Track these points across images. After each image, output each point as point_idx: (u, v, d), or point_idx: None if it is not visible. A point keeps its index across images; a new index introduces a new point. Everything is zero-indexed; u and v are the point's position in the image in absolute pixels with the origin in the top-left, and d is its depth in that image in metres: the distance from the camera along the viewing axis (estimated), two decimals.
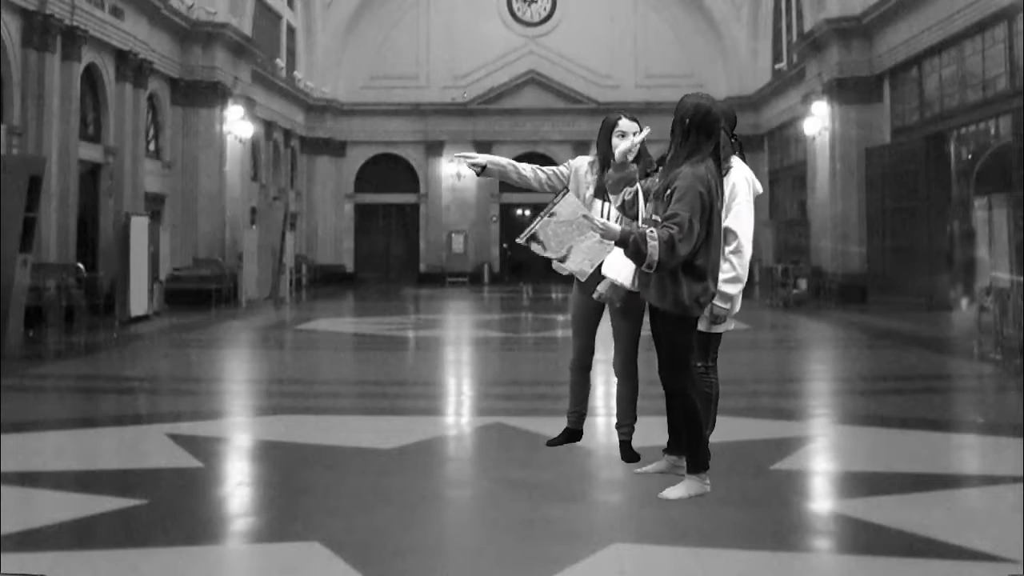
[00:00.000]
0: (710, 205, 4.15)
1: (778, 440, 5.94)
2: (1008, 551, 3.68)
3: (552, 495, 4.62)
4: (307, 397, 7.94)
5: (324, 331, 14.81)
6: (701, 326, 4.47)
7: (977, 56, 16.56)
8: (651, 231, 4.08)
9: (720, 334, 4.73)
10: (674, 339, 4.36)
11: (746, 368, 10.56)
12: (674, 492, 4.36)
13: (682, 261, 4.11)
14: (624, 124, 4.76)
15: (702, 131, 4.24)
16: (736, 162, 4.58)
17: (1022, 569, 3.50)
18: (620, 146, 4.61)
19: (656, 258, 4.04)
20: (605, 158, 4.80)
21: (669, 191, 4.18)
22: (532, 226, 4.22)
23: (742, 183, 4.48)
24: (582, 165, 4.92)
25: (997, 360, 10.34)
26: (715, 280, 4.33)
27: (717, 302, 4.40)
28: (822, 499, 4.82)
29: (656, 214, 4.23)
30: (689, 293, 4.20)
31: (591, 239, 4.23)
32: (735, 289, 4.46)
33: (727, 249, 4.41)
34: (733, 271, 4.45)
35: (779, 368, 10.67)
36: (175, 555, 3.81)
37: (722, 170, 4.29)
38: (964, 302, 16.57)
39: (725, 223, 4.34)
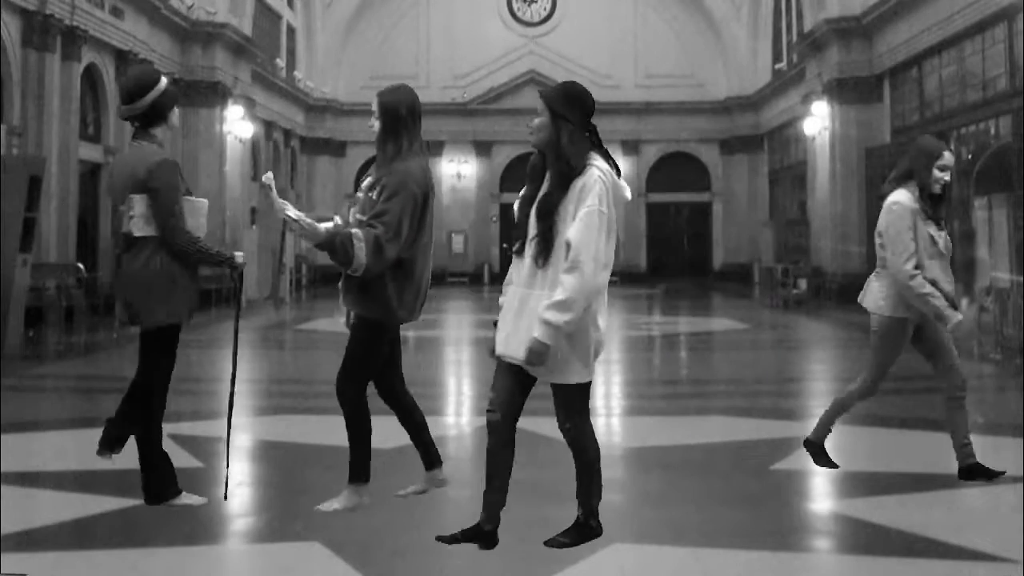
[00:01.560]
0: (423, 203, 3.94)
1: (778, 440, 5.93)
2: (1008, 551, 3.68)
3: (552, 495, 4.62)
4: (307, 397, 7.93)
5: (324, 331, 14.80)
6: (587, 375, 3.63)
7: (977, 56, 16.55)
8: (357, 232, 3.82)
9: (575, 385, 3.67)
10: (369, 345, 4.06)
11: (746, 368, 10.57)
12: (328, 505, 4.15)
13: (390, 263, 3.86)
14: (948, 157, 4.75)
15: (408, 126, 4.00)
16: (595, 159, 3.60)
17: (1022, 569, 3.50)
18: None
19: (363, 261, 3.80)
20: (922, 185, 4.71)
21: (377, 189, 3.94)
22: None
23: (594, 185, 3.48)
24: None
25: (997, 360, 10.34)
26: (423, 284, 4.05)
27: (537, 334, 3.42)
28: (822, 499, 4.82)
29: (362, 214, 3.97)
30: (397, 298, 3.94)
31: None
32: (560, 318, 3.39)
33: (563, 266, 3.43)
34: (562, 294, 3.39)
35: (779, 368, 10.67)
36: (175, 555, 3.81)
37: (575, 167, 3.50)
38: (964, 302, 16.54)
39: (568, 233, 3.44)
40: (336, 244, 3.81)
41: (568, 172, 3.49)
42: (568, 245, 3.40)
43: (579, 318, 3.43)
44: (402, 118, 3.99)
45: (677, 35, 31.39)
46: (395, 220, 3.82)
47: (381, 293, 3.93)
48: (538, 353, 3.44)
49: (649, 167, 31.53)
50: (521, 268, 3.59)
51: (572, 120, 3.54)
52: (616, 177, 3.57)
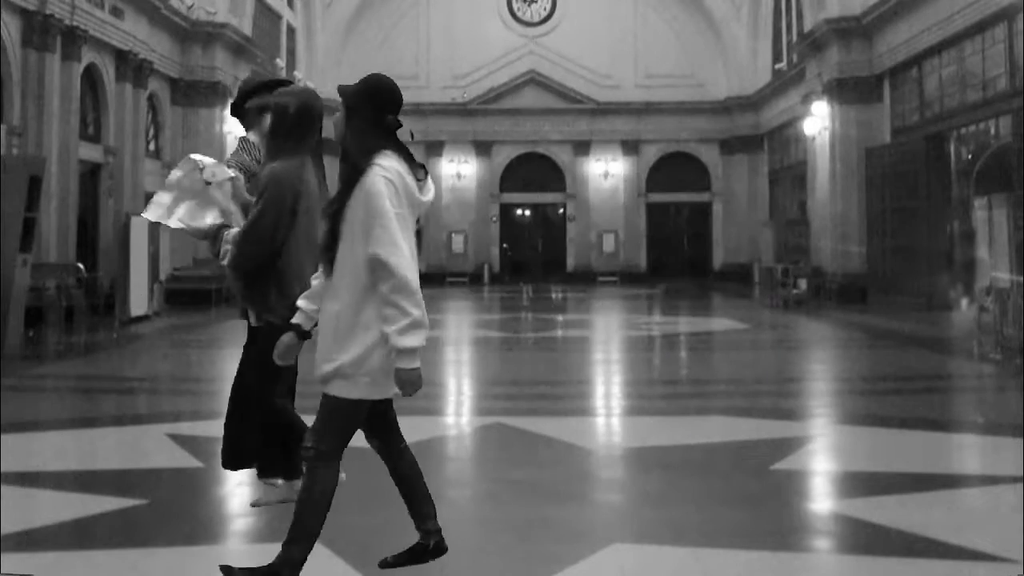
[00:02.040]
0: (293, 204, 3.89)
1: (778, 440, 5.94)
2: (1008, 551, 3.68)
3: (552, 495, 4.62)
4: (307, 397, 7.90)
5: None
6: (380, 393, 3.13)
7: (977, 56, 16.55)
8: (226, 235, 3.90)
9: (337, 400, 3.12)
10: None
11: (746, 368, 10.57)
12: (264, 497, 4.13)
13: (253, 263, 3.85)
14: None
15: (296, 129, 3.94)
16: (384, 157, 3.21)
17: (1022, 569, 3.50)
18: None
19: (223, 257, 3.89)
20: None
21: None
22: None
23: (379, 188, 3.09)
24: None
25: (997, 360, 10.34)
26: (298, 287, 3.75)
27: (401, 364, 3.00)
28: (822, 499, 4.82)
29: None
30: (278, 298, 3.91)
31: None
32: (417, 340, 3.00)
33: (384, 288, 3.01)
34: (406, 316, 2.98)
35: (779, 368, 10.67)
36: (175, 555, 3.82)
37: (358, 166, 3.22)
38: (964, 302, 16.57)
39: (370, 249, 3.04)
40: (212, 239, 3.97)
41: (351, 172, 3.18)
42: (378, 262, 3.00)
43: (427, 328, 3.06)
44: (288, 117, 3.96)
45: (677, 35, 31.38)
46: (250, 222, 3.84)
47: (266, 291, 3.93)
48: (411, 382, 3.01)
49: (649, 167, 31.52)
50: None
51: (361, 115, 3.24)
52: (411, 178, 3.20)
